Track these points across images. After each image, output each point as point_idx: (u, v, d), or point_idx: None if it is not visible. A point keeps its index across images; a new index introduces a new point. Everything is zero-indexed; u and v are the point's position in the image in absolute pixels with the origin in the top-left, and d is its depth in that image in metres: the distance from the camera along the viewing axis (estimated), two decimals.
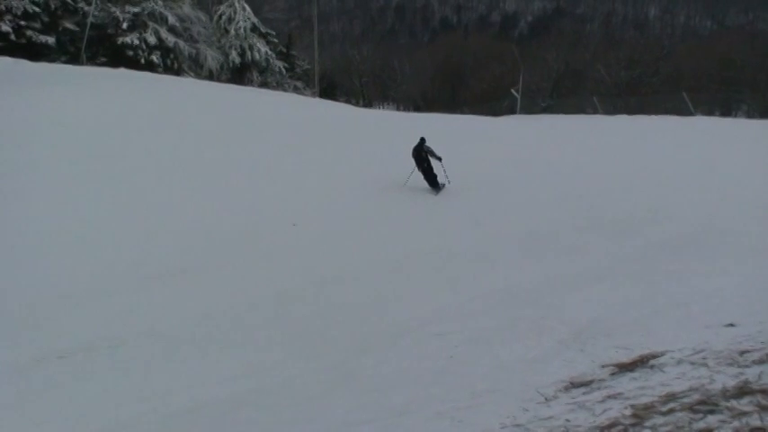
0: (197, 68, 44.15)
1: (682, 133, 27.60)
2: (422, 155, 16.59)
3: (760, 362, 3.85)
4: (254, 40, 47.18)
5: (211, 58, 44.40)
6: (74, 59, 36.21)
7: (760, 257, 8.76)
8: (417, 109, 71.70)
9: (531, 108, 52.26)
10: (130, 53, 38.57)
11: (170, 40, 40.52)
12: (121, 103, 22.46)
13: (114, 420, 5.93)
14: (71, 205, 13.16)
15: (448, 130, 18.70)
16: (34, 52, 33.06)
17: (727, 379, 3.63)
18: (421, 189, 16.75)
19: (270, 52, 48.59)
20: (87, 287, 9.73)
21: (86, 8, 37.11)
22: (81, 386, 6.73)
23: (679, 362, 4.29)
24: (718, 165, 18.20)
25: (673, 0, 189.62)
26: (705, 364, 4.05)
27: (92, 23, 37.03)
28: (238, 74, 46.95)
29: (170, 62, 40.86)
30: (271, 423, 5.34)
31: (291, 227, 13.30)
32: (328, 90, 63.23)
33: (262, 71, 48.61)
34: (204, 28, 45.06)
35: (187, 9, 43.18)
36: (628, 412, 3.50)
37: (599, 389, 4.12)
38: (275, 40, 52.09)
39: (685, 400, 3.45)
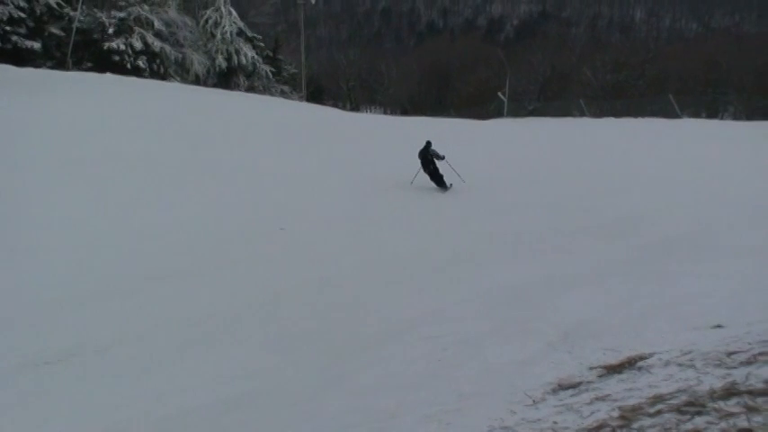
0: (183, 73, 44.04)
1: (669, 135, 27.81)
2: (428, 158, 17.40)
3: (747, 363, 3.86)
4: (241, 44, 47.15)
5: (198, 62, 44.28)
6: (60, 65, 36.07)
7: (749, 258, 8.78)
8: (405, 113, 71.99)
9: (517, 111, 52.54)
10: (116, 58, 38.45)
11: (156, 44, 40.43)
12: (110, 107, 22.38)
13: (106, 424, 5.88)
14: (59, 209, 13.12)
15: (436, 134, 18.71)
16: (20, 58, 32.88)
17: (714, 380, 3.63)
18: (415, 191, 16.90)
19: (256, 56, 48.58)
20: (75, 291, 9.69)
21: (72, 13, 36.98)
22: (69, 391, 6.67)
23: (666, 363, 4.29)
24: (705, 166, 18.33)
25: (658, 2, 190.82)
26: (693, 366, 4.05)
27: (77, 28, 36.92)
28: (225, 78, 46.88)
29: (156, 67, 40.76)
30: (260, 428, 5.32)
31: (279, 231, 13.28)
32: (315, 94, 63.29)
33: (248, 75, 48.55)
34: (190, 32, 44.93)
35: (173, 14, 43.06)
36: (615, 414, 3.50)
37: (587, 391, 4.11)
38: (262, 45, 52.08)
39: (673, 401, 3.45)
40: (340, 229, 13.73)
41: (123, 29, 39.47)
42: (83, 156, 16.55)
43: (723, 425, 3.00)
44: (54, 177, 14.84)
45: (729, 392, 3.36)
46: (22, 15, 34.16)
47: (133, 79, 33.59)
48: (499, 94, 53.53)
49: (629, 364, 4.48)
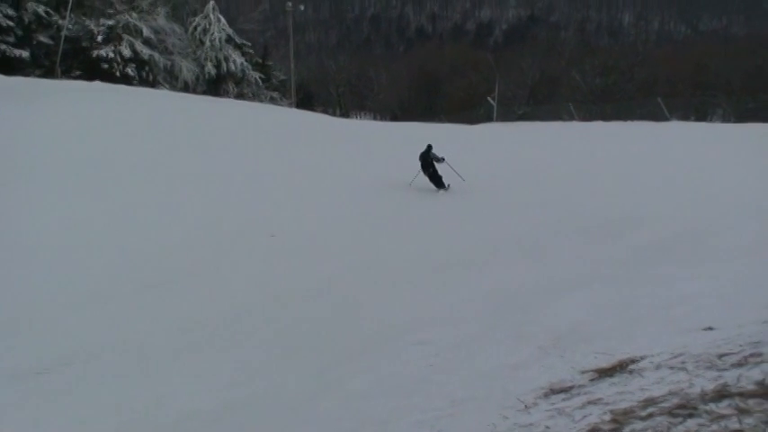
0: (172, 80, 43.98)
1: (659, 138, 27.91)
2: (428, 160, 18.15)
3: (738, 365, 3.87)
4: (230, 51, 47.11)
5: (187, 69, 44.22)
6: (49, 73, 36.03)
7: (740, 260, 8.83)
8: (395, 118, 71.88)
9: (507, 116, 52.56)
10: (105, 66, 38.39)
11: (145, 52, 40.38)
12: (99, 115, 22.32)
13: (105, 428, 5.87)
14: (51, 215, 13.05)
15: (428, 140, 18.80)
16: (8, 66, 32.84)
17: (705, 382, 3.64)
18: (410, 194, 17.12)
19: (245, 63, 48.55)
20: (66, 299, 9.61)
21: (61, 21, 36.93)
22: (68, 395, 6.62)
23: (658, 366, 4.30)
24: (696, 168, 18.39)
25: (647, 6, 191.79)
26: (684, 368, 4.06)
27: (66, 37, 36.88)
28: (214, 85, 46.83)
29: (145, 74, 40.70)
30: None
31: (270, 237, 13.25)
32: (305, 100, 63.30)
33: (238, 82, 48.50)
34: (179, 40, 44.88)
35: (162, 21, 43.00)
36: (607, 417, 3.50)
37: (579, 395, 4.12)
38: (251, 51, 52.02)
39: (664, 404, 3.45)
40: (335, 232, 13.72)
41: (112, 36, 39.39)
42: (73, 163, 16.49)
43: (715, 427, 3.01)
44: (43, 185, 14.77)
45: (721, 395, 3.37)
46: (11, 24, 34.14)
47: (122, 87, 33.51)
48: (489, 98, 53.60)
49: (621, 368, 4.49)
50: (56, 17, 37.19)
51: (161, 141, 20.35)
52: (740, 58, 50.80)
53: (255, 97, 49.42)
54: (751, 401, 3.17)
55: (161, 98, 31.78)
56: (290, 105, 50.75)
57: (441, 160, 18.27)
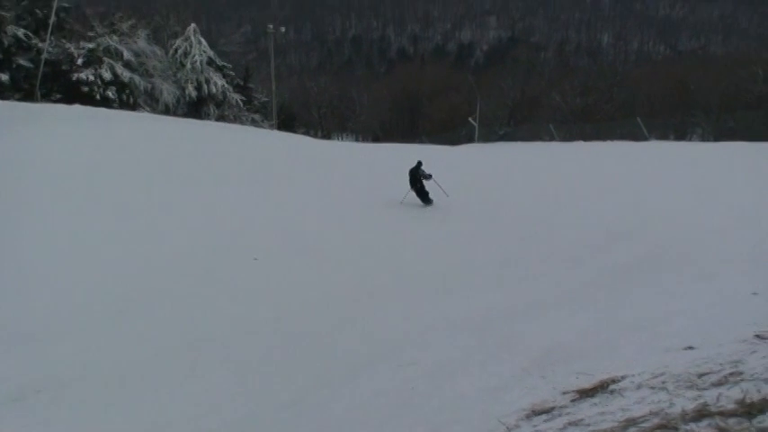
0: (153, 103, 43.79)
1: (638, 157, 28.14)
2: (416, 176, 19.01)
3: (718, 384, 3.87)
4: (211, 73, 47.03)
5: (167, 92, 44.05)
6: (28, 96, 35.79)
7: (719, 279, 8.87)
8: (376, 139, 72.07)
9: (488, 136, 52.89)
10: (86, 89, 38.17)
11: (125, 75, 40.19)
12: (81, 140, 22.19)
13: None
14: (29, 237, 12.90)
15: (412, 161, 19.04)
16: None
17: (686, 402, 3.63)
18: (395, 215, 17.23)
19: (227, 85, 48.47)
20: (34, 328, 9.48)
21: (40, 45, 36.76)
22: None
23: (639, 386, 4.29)
24: (675, 187, 18.55)
25: (626, 26, 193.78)
26: (665, 388, 4.06)
27: (46, 60, 36.66)
28: (195, 108, 46.70)
29: (126, 97, 40.49)
30: None
31: (253, 261, 13.19)
32: (287, 122, 63.14)
33: (219, 104, 48.39)
34: (160, 62, 44.72)
35: (142, 44, 42.86)
36: None
37: (560, 416, 4.10)
38: (232, 73, 51.99)
39: (645, 424, 3.44)
40: (320, 255, 13.72)
41: (92, 59, 39.21)
42: (53, 187, 16.38)
43: None
44: (21, 209, 14.65)
45: (701, 414, 3.36)
46: None
47: (102, 110, 33.38)
48: (470, 119, 53.89)
49: (602, 388, 4.48)
50: (35, 40, 37.03)
51: (138, 166, 20.22)
52: (718, 77, 51.25)
53: (237, 119, 49.34)
54: (731, 420, 3.16)
55: (141, 121, 31.66)
56: (271, 127, 50.70)
57: (428, 177, 19.02)
